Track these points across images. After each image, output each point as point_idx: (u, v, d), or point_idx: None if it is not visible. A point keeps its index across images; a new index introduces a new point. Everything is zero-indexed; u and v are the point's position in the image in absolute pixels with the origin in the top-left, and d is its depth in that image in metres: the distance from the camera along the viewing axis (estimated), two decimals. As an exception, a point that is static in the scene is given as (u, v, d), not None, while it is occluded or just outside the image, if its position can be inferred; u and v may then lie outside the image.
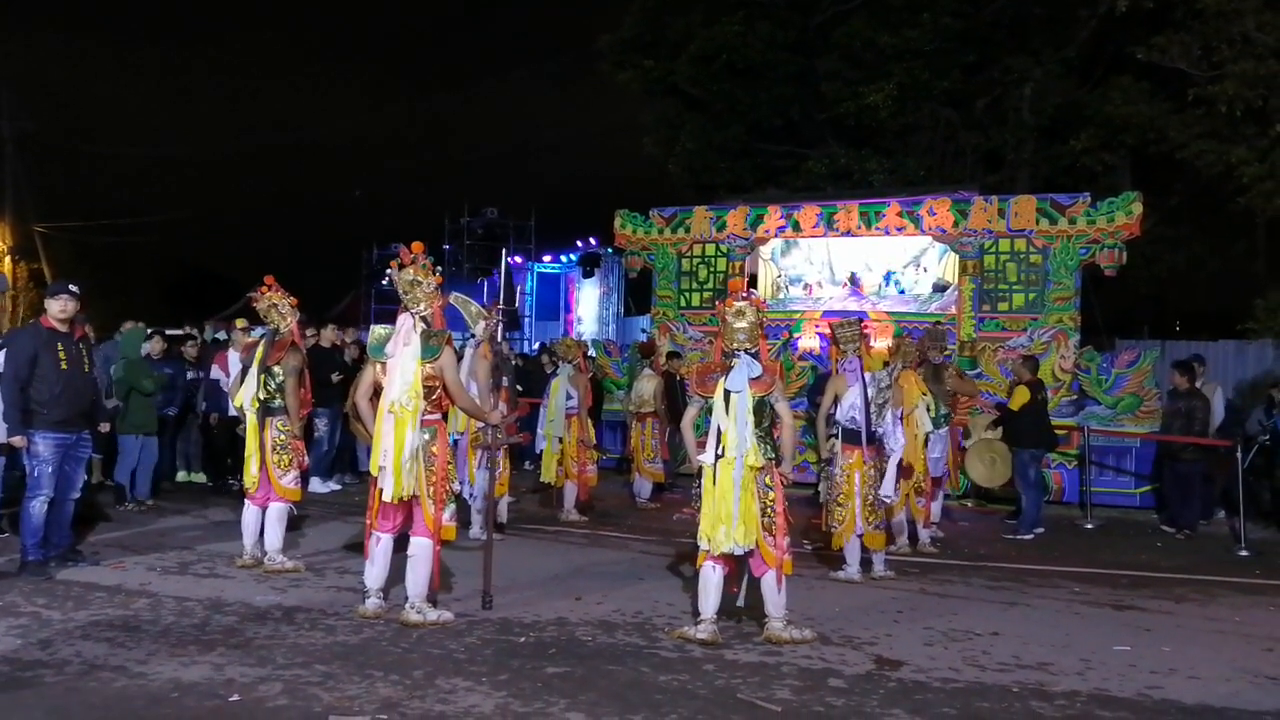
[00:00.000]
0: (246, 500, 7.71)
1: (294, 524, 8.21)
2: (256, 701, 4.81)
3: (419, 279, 6.23)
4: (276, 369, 7.66)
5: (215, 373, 11.15)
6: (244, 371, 7.93)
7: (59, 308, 7.37)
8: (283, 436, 7.63)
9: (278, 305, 7.79)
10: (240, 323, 11.56)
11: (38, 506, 7.27)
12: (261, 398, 7.65)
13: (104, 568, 7.50)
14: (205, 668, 5.26)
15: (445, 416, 6.41)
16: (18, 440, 7.21)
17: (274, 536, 7.58)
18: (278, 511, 7.58)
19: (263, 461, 7.59)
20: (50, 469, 7.27)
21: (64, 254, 31.39)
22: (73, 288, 7.46)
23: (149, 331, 10.87)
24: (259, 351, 7.77)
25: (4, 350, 7.64)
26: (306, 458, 8.04)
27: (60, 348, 7.33)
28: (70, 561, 7.47)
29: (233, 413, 10.65)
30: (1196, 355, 11.96)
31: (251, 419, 7.70)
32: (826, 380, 11.86)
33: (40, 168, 31.98)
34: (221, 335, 13.52)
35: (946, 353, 10.99)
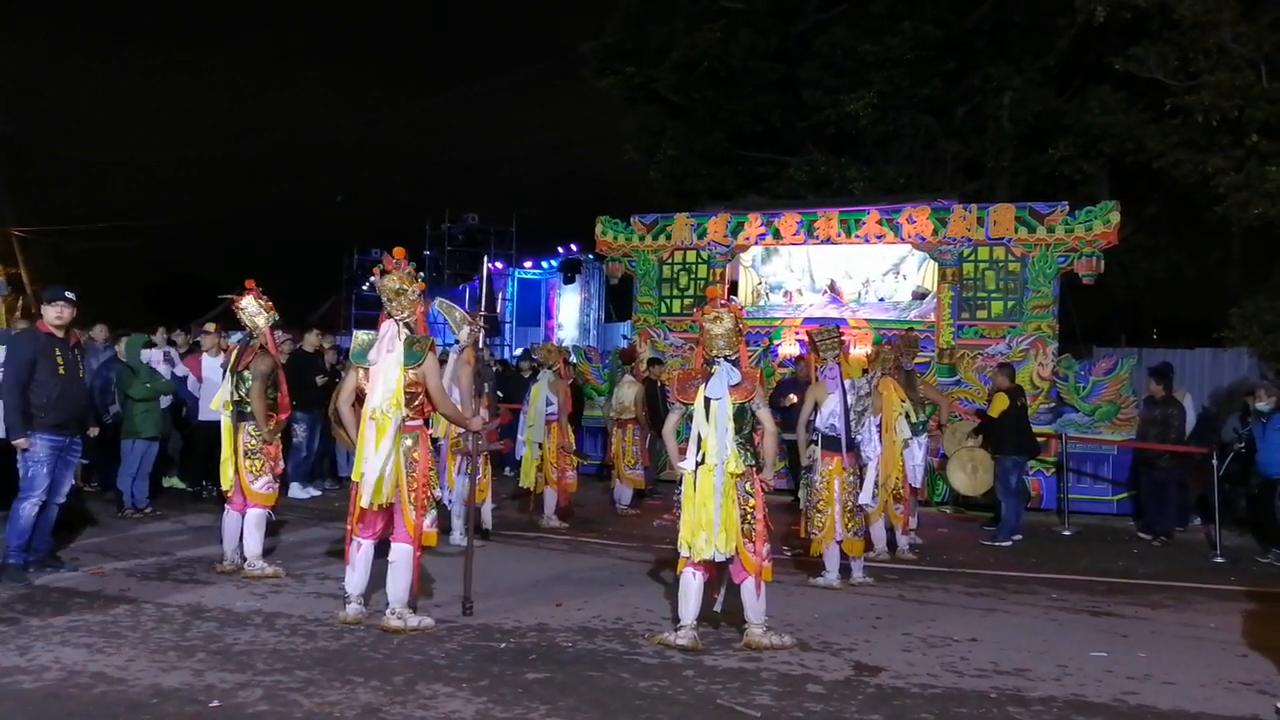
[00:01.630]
0: (226, 505, 7.69)
1: (273, 529, 8.19)
2: (236, 708, 4.80)
3: (404, 287, 6.24)
4: (246, 373, 7.67)
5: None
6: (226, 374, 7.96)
7: (55, 314, 7.41)
8: (254, 442, 7.61)
9: (247, 308, 7.79)
10: (210, 327, 11.52)
11: (28, 509, 7.26)
12: (234, 400, 7.66)
13: (83, 573, 7.46)
14: (185, 674, 5.24)
15: (428, 423, 6.42)
16: (21, 442, 7.20)
17: (253, 542, 7.56)
18: (257, 517, 7.56)
19: (236, 466, 7.59)
20: (45, 470, 7.29)
21: (42, 258, 31.21)
22: (69, 294, 7.50)
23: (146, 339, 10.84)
24: (233, 355, 7.81)
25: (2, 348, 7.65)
26: (281, 463, 8.00)
27: (58, 353, 7.38)
28: (48, 567, 7.44)
29: (202, 417, 10.66)
30: (1166, 363, 12.09)
31: (226, 422, 7.70)
32: (789, 387, 12.01)
33: (18, 171, 31.81)
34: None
35: (921, 360, 11.06)
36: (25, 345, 7.40)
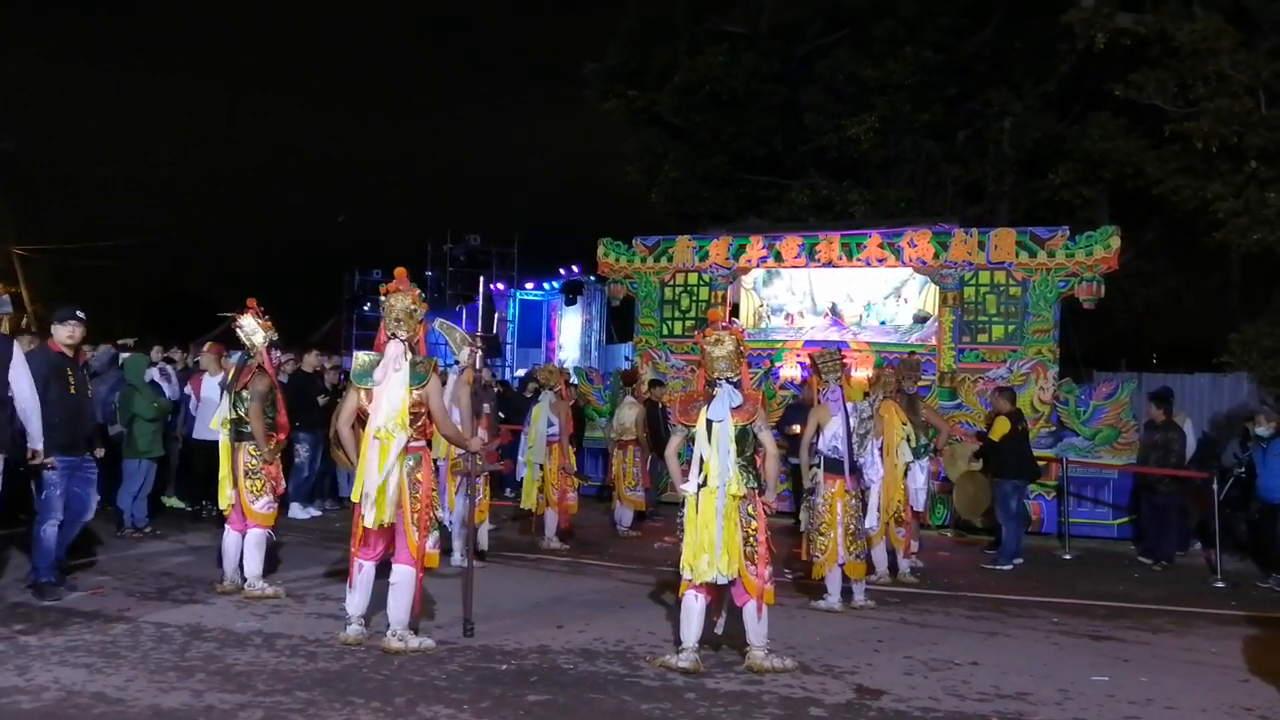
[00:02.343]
0: (226, 526, 7.68)
1: (274, 550, 8.17)
2: (237, 728, 4.79)
3: (415, 307, 6.27)
4: (245, 393, 7.67)
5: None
6: (224, 394, 7.96)
7: (67, 333, 7.46)
8: (254, 462, 7.61)
9: (244, 326, 7.81)
10: (209, 346, 11.51)
11: (49, 530, 7.27)
12: (233, 419, 7.66)
13: (83, 593, 7.44)
14: (184, 694, 5.23)
15: (430, 443, 6.42)
16: (48, 461, 7.18)
17: (254, 562, 7.54)
18: (257, 537, 7.54)
19: (236, 486, 7.58)
20: (59, 492, 7.31)
21: (42, 276, 31.26)
22: (80, 314, 7.54)
23: (150, 359, 10.86)
24: (231, 374, 7.82)
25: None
26: (282, 483, 7.99)
27: (69, 372, 7.42)
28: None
29: (198, 436, 10.66)
30: (1166, 388, 12.09)
31: (224, 441, 7.69)
32: (795, 413, 12.00)
33: (19, 189, 31.92)
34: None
35: (922, 384, 11.07)
36: (38, 364, 7.34)
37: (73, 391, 7.39)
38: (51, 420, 7.20)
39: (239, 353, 8.72)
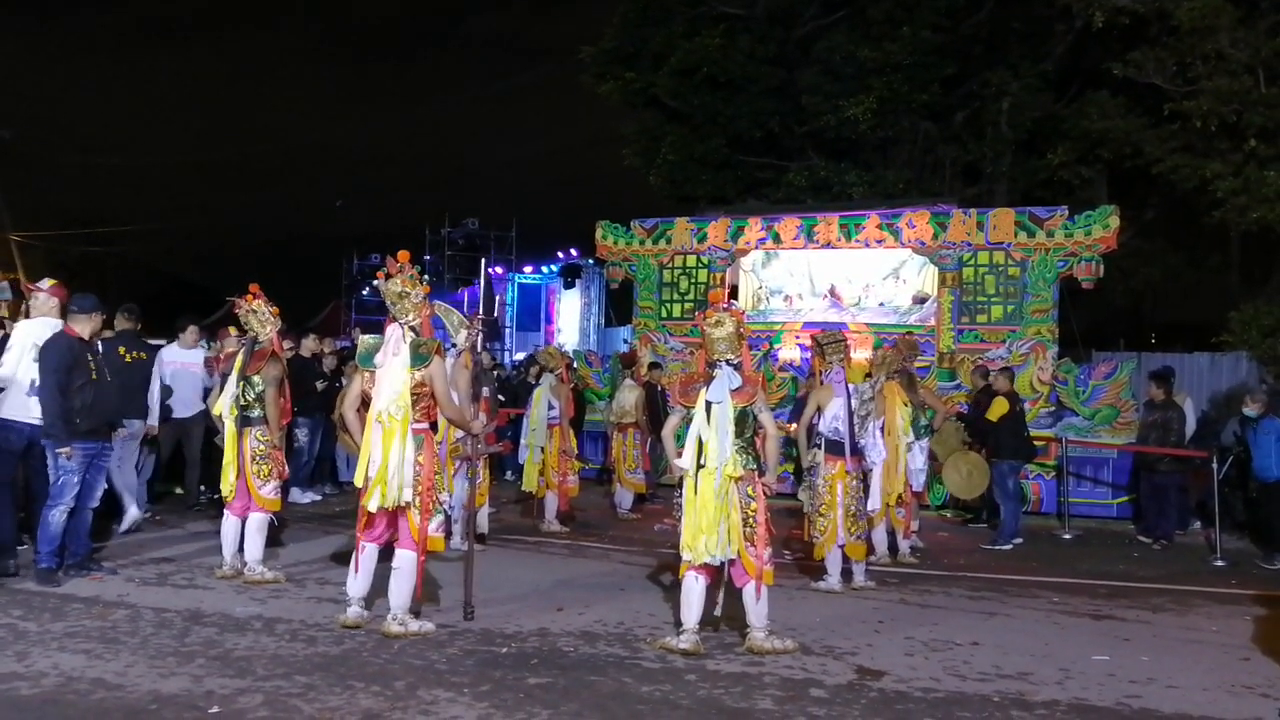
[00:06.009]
0: (225, 511, 7.65)
1: (273, 534, 8.16)
2: (237, 713, 4.78)
3: (407, 290, 6.22)
4: (256, 379, 7.63)
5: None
6: (224, 380, 7.90)
7: (86, 319, 7.42)
8: (262, 447, 7.58)
9: (258, 313, 7.75)
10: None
11: (57, 516, 7.25)
12: (241, 405, 7.62)
13: (82, 578, 7.42)
14: (184, 679, 5.22)
15: (434, 426, 6.40)
16: (65, 451, 7.16)
17: (254, 547, 7.53)
18: (257, 522, 7.53)
19: (241, 471, 7.55)
20: (76, 479, 7.28)
21: (40, 262, 31.17)
22: (96, 300, 7.55)
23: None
24: (239, 360, 7.73)
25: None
26: (286, 468, 7.99)
27: (90, 358, 7.39)
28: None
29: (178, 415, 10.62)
30: (1167, 367, 12.09)
31: (230, 428, 7.65)
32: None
33: (16, 175, 31.86)
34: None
35: (921, 364, 11.06)
36: (63, 351, 7.27)
37: (94, 378, 7.36)
38: (75, 407, 7.19)
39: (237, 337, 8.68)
